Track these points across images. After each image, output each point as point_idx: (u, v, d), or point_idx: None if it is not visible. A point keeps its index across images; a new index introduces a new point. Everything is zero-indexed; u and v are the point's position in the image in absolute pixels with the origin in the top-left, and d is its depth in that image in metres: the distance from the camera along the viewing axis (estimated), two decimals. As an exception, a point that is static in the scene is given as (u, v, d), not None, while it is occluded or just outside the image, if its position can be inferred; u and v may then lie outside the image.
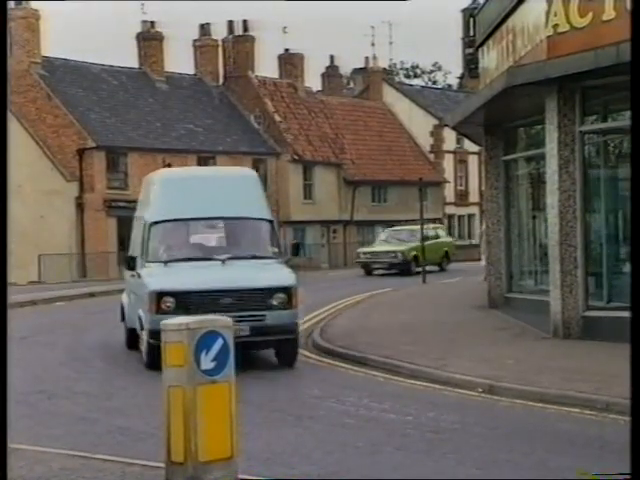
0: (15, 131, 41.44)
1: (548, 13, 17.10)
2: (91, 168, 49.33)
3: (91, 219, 48.98)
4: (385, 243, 41.79)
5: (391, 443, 9.90)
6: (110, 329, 21.86)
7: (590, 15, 16.21)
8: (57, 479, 8.38)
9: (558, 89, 16.97)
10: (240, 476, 7.76)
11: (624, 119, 16.07)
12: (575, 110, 17.08)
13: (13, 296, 25.93)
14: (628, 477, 6.51)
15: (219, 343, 7.57)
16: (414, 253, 38.85)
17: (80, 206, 48.81)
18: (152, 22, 56.22)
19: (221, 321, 7.82)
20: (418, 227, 37.58)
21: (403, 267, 39.52)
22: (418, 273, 35.67)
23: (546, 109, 17.41)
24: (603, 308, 17.05)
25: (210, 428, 7.46)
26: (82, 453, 9.29)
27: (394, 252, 39.89)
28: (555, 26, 16.92)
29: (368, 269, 40.99)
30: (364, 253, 42.05)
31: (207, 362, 7.49)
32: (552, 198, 17.42)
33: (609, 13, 15.83)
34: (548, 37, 17.14)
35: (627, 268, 16.34)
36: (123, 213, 50.10)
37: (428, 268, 35.54)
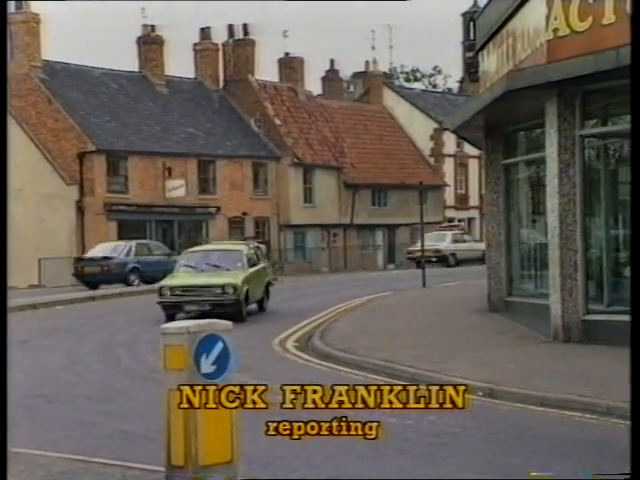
0: (15, 135, 41.43)
1: (548, 17, 17.10)
2: (91, 172, 49.38)
3: (91, 222, 49.03)
4: (198, 272, 25.90)
5: (391, 447, 9.89)
6: (110, 332, 21.88)
7: (590, 19, 16.21)
8: (57, 483, 8.39)
9: (558, 93, 16.98)
10: (240, 479, 7.75)
11: (624, 123, 16.05)
12: (575, 114, 17.09)
13: (13, 300, 25.96)
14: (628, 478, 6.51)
15: (219, 347, 7.58)
16: (246, 288, 24.71)
17: (80, 210, 48.87)
18: (152, 26, 56.31)
19: (221, 325, 7.82)
20: (240, 247, 27.57)
21: (233, 309, 23.76)
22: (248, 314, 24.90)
23: (546, 113, 17.41)
24: (603, 312, 17.04)
25: (210, 432, 7.46)
26: (82, 457, 9.29)
27: (221, 286, 24.41)
28: (555, 30, 16.92)
29: (175, 311, 24.21)
30: (172, 288, 24.58)
31: (207, 365, 7.50)
32: (552, 202, 17.41)
33: (609, 17, 15.83)
34: (548, 41, 17.14)
35: (627, 272, 16.33)
36: (123, 217, 50.28)
37: (248, 308, 25.34)
